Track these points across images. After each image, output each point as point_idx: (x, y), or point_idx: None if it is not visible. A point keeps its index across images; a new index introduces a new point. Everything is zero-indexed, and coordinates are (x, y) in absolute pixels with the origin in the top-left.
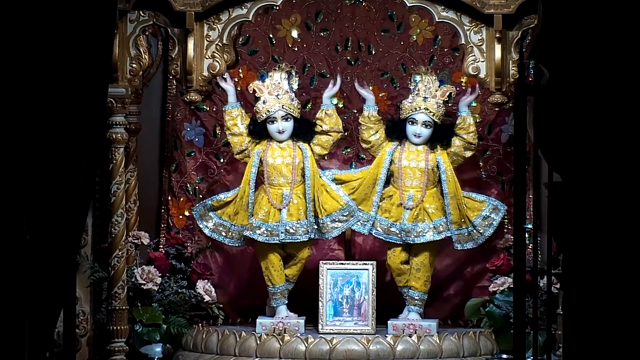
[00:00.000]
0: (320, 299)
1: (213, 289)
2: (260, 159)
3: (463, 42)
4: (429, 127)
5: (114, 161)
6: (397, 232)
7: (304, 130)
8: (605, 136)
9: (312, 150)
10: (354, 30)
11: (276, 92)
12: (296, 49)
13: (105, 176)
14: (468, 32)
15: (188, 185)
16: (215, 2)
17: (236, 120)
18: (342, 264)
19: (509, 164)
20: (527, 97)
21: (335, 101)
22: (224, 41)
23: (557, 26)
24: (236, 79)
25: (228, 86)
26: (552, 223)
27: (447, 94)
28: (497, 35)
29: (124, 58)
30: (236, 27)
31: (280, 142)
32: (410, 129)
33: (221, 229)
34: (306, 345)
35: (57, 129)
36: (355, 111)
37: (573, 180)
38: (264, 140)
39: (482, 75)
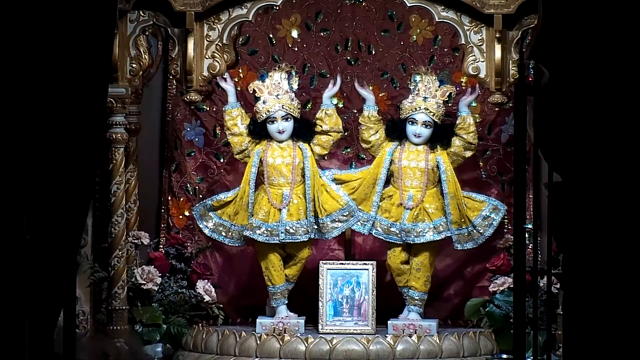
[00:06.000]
0: (320, 299)
1: (213, 289)
2: (260, 159)
3: (463, 42)
4: (429, 127)
5: (114, 161)
6: (397, 232)
7: (304, 130)
8: (605, 136)
9: (312, 150)
10: (354, 30)
11: (276, 92)
12: (296, 49)
13: (105, 176)
14: (468, 32)
15: (188, 185)
16: (215, 2)
17: (236, 120)
18: (342, 264)
19: (509, 164)
20: (527, 97)
21: (335, 101)
22: (224, 41)
23: (557, 26)
24: (236, 79)
25: (228, 86)
26: (552, 223)
27: (447, 94)
28: (497, 35)
29: (124, 58)
30: (236, 27)
31: (280, 142)
32: (410, 129)
33: (221, 229)
34: (306, 345)
35: (57, 128)
36: (355, 111)
37: (573, 180)
38: (264, 140)
39: (482, 75)
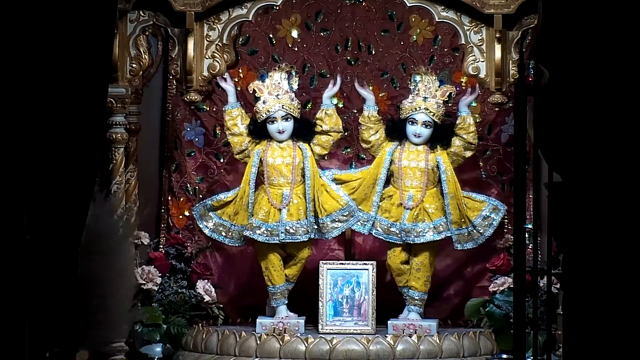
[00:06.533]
0: (320, 299)
1: (213, 289)
2: (260, 159)
3: (463, 42)
4: (429, 127)
5: (114, 161)
6: (397, 232)
7: (304, 130)
8: (605, 136)
9: (312, 150)
10: (354, 30)
11: (276, 92)
12: (296, 49)
13: (105, 176)
14: (468, 32)
15: (188, 185)
16: (215, 2)
17: (236, 120)
18: (342, 264)
19: (509, 164)
20: (527, 97)
21: (335, 101)
22: (224, 41)
23: (557, 26)
24: (236, 79)
25: (228, 86)
26: (552, 223)
27: (447, 94)
28: (497, 35)
29: (124, 58)
30: (236, 27)
31: (280, 142)
32: (410, 129)
33: (221, 229)
34: (306, 345)
35: (57, 129)
36: (355, 111)
37: (573, 180)
38: (264, 140)
39: (482, 75)
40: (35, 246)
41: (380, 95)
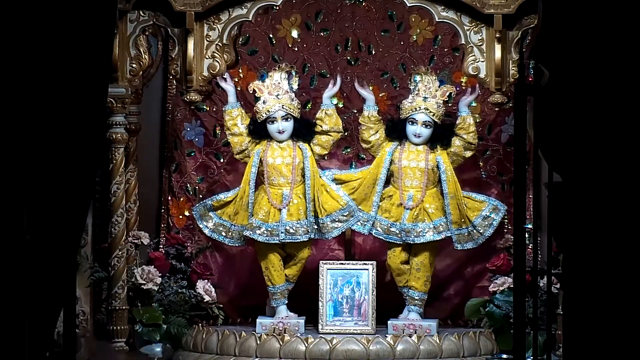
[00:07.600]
0: (320, 299)
1: (213, 289)
2: (260, 159)
3: (463, 42)
4: (429, 127)
5: (114, 161)
6: (397, 232)
7: (304, 130)
8: (605, 136)
9: (312, 150)
10: (354, 30)
11: (276, 92)
12: (296, 49)
13: (105, 176)
14: (468, 32)
15: (188, 185)
16: (215, 2)
17: (236, 120)
18: (342, 264)
19: (509, 164)
20: (527, 97)
21: (335, 101)
22: (224, 41)
23: (557, 26)
24: (236, 79)
25: (228, 86)
26: (552, 223)
27: (447, 94)
28: (497, 35)
29: (124, 58)
30: (236, 27)
31: (280, 142)
32: (410, 129)
33: (221, 229)
34: (306, 345)
35: (57, 129)
36: (355, 111)
37: (573, 180)
38: (264, 140)
39: (482, 75)
40: (35, 246)
41: (380, 95)
